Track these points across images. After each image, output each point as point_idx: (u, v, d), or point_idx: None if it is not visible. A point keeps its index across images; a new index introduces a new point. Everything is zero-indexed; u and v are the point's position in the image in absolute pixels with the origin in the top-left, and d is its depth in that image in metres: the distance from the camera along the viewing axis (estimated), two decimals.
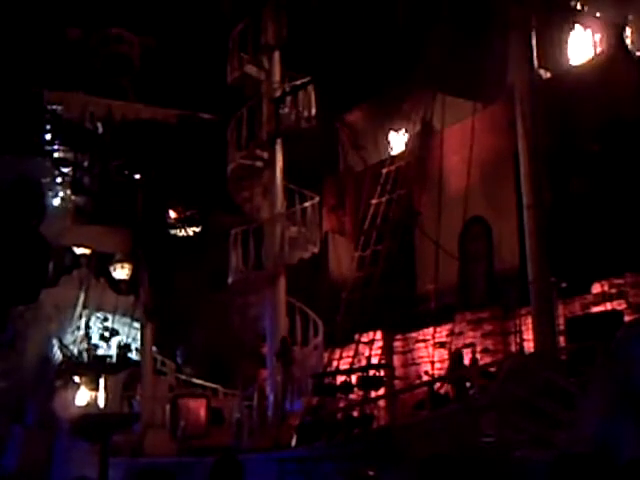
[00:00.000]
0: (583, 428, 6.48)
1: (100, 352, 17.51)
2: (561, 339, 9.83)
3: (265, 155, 13.51)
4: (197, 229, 19.56)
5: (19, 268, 16.47)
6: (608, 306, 10.74)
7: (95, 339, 17.75)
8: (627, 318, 10.52)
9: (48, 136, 18.34)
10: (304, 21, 13.44)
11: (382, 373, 11.65)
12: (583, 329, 10.38)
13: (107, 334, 17.75)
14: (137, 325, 17.05)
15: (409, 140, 14.64)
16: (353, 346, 13.27)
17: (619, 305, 10.85)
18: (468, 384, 9.34)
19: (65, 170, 18.73)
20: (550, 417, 6.78)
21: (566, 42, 12.93)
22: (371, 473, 3.22)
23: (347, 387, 11.18)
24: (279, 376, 12.12)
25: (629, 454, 5.32)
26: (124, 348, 17.53)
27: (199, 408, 14.51)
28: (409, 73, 13.16)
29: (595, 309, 11.09)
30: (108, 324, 17.82)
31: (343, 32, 14.22)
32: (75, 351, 17.30)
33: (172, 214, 19.45)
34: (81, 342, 17.57)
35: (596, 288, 11.19)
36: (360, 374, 11.34)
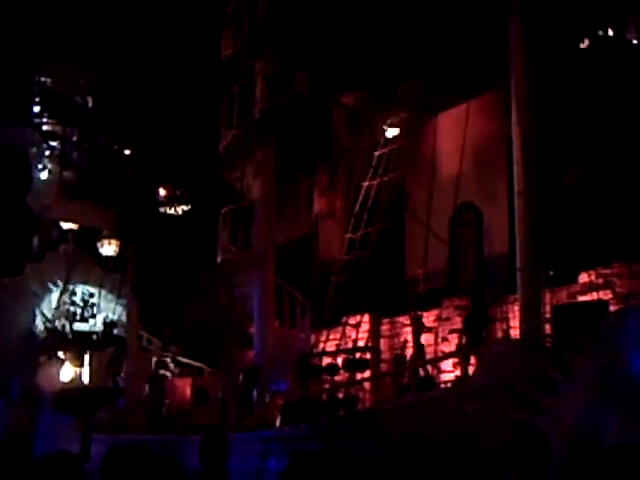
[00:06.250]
0: (565, 414, 6.54)
1: (85, 328, 17.41)
2: (547, 327, 9.88)
3: (258, 134, 13.40)
4: (186, 207, 19.43)
5: (4, 239, 16.25)
6: (595, 295, 10.79)
7: (79, 315, 17.64)
8: (612, 308, 10.58)
9: (37, 108, 18.06)
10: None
11: (368, 356, 11.71)
12: (569, 317, 10.44)
13: (93, 310, 17.63)
14: (123, 302, 16.97)
15: (402, 124, 14.58)
16: (340, 328, 13.31)
17: (605, 295, 10.91)
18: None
19: (53, 144, 18.47)
20: (533, 403, 6.83)
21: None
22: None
23: (333, 369, 11.22)
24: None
25: (611, 440, 5.37)
26: (110, 325, 17.43)
27: (184, 387, 14.50)
28: (405, 59, 13.06)
29: (582, 298, 11.15)
30: (94, 300, 17.70)
31: (340, 12, 14.06)
32: (59, 326, 17.18)
33: (162, 192, 19.29)
34: (65, 318, 17.44)
35: (583, 278, 11.24)
36: (346, 356, 11.39)
